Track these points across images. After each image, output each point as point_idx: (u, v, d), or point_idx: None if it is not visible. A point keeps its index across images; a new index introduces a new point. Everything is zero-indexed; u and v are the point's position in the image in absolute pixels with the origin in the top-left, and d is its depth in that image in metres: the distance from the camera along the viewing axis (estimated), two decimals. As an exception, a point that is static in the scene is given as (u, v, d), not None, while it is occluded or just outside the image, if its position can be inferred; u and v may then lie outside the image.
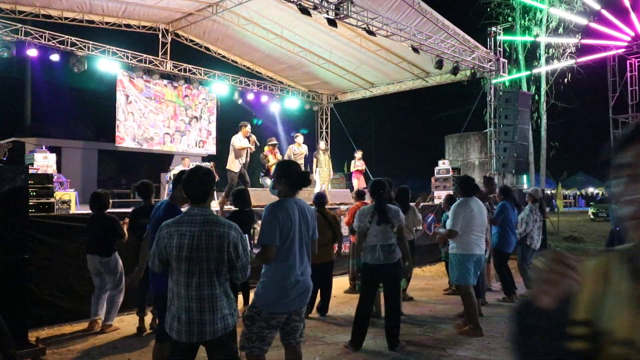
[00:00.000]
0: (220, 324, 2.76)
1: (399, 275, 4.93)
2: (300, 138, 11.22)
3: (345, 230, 9.16)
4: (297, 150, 11.06)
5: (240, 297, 6.15)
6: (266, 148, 10.57)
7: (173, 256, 2.78)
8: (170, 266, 2.85)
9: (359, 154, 12.82)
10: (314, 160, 12.14)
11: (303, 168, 11.18)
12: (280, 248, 3.23)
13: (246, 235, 4.23)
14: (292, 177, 3.36)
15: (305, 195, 9.34)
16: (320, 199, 6.64)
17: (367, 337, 4.99)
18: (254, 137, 9.62)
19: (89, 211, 5.80)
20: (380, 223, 4.79)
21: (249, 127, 9.56)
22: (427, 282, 8.61)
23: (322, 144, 12.71)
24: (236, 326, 2.94)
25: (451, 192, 9.73)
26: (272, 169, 10.27)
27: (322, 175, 12.06)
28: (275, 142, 10.70)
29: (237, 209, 6.11)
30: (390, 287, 4.91)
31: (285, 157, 10.81)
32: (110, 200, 5.98)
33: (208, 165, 10.98)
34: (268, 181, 10.15)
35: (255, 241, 5.75)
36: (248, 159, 9.51)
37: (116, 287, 5.65)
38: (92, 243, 5.59)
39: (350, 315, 6.20)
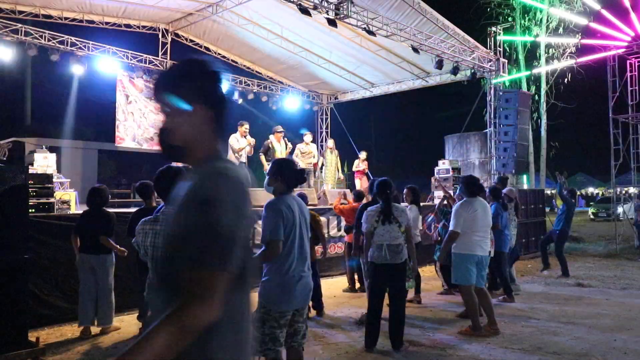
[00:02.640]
0: None
1: (405, 276, 4.88)
2: (308, 137, 11.08)
3: (335, 230, 9.19)
4: (305, 149, 10.96)
5: None
6: (272, 136, 10.32)
7: (148, 256, 2.76)
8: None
9: (363, 155, 12.80)
10: (322, 159, 12.06)
11: (312, 167, 11.21)
12: (284, 244, 3.18)
13: None
14: (288, 174, 3.36)
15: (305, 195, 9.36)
16: (302, 199, 6.56)
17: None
18: (250, 139, 9.53)
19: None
20: (386, 223, 4.80)
21: (245, 127, 9.46)
22: (426, 282, 8.59)
23: (330, 142, 12.64)
24: None
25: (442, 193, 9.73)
26: (276, 156, 10.16)
27: (328, 175, 12.00)
28: (282, 129, 10.37)
29: None
30: (395, 288, 4.87)
31: (293, 156, 10.65)
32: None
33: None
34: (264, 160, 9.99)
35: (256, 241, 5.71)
36: (246, 160, 9.47)
37: (109, 287, 5.58)
38: (89, 240, 5.51)
39: (350, 315, 6.22)
